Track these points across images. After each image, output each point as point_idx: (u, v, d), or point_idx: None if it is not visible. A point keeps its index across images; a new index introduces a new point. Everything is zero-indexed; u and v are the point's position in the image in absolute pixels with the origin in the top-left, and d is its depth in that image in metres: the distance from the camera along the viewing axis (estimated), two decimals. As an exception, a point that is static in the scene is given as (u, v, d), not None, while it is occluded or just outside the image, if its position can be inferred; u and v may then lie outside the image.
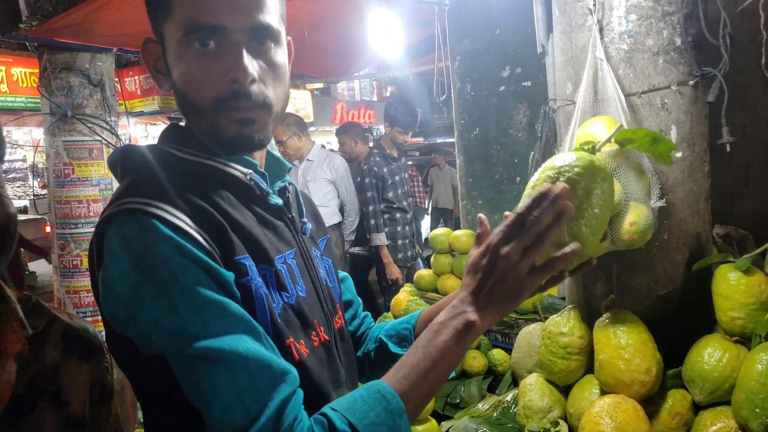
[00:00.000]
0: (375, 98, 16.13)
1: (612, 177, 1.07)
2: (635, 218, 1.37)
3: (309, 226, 1.09)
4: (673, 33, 1.46)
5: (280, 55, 0.95)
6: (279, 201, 1.01)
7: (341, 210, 4.79)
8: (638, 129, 1.28)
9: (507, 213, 0.92)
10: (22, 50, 8.57)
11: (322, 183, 4.60)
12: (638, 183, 1.39)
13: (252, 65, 0.88)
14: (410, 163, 7.48)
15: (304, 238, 1.07)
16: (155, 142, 0.99)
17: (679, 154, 1.38)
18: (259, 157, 1.02)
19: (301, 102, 15.23)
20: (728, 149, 1.44)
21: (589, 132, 1.40)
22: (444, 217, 10.03)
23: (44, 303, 0.96)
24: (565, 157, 1.04)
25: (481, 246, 0.94)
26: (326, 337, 1.01)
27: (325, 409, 0.84)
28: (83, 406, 0.95)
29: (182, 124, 1.01)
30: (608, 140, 1.27)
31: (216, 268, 0.82)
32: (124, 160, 0.94)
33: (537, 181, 1.05)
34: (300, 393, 0.83)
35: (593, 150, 1.19)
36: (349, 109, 15.03)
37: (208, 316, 0.78)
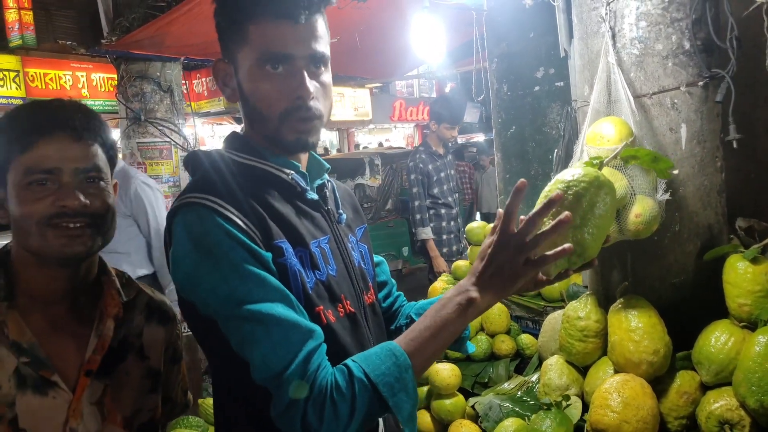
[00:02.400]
0: (434, 94, 16.18)
1: (614, 190, 1.18)
2: (641, 210, 1.48)
3: (344, 216, 1.30)
4: (681, 37, 1.56)
5: (328, 76, 1.17)
6: (315, 196, 1.21)
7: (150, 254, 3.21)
8: (641, 148, 1.40)
9: (500, 210, 1.08)
10: (101, 57, 9.20)
11: (119, 220, 3.41)
12: (644, 177, 1.50)
13: (312, 86, 1.11)
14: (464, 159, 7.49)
15: (340, 226, 1.27)
16: (221, 141, 1.25)
17: (675, 172, 1.49)
18: (302, 160, 1.24)
19: (360, 100, 15.50)
20: (735, 145, 1.53)
21: (597, 131, 1.52)
22: (490, 221, 9.79)
23: (133, 279, 1.21)
24: (573, 172, 1.18)
25: (491, 237, 1.11)
26: (352, 309, 1.19)
27: (347, 360, 1.04)
28: (159, 362, 1.20)
29: (240, 132, 1.24)
30: (614, 156, 1.39)
31: (256, 249, 1.03)
32: (194, 162, 1.17)
33: (548, 191, 1.20)
34: (324, 347, 1.03)
35: (600, 165, 1.32)
36: (407, 106, 15.14)
37: (251, 286, 0.99)
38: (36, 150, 0.99)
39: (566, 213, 1.01)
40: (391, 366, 1.01)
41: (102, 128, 1.09)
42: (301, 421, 0.95)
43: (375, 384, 0.99)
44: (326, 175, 1.29)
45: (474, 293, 1.06)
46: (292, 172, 1.17)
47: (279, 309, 0.99)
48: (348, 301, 1.19)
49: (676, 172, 1.49)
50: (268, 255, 1.04)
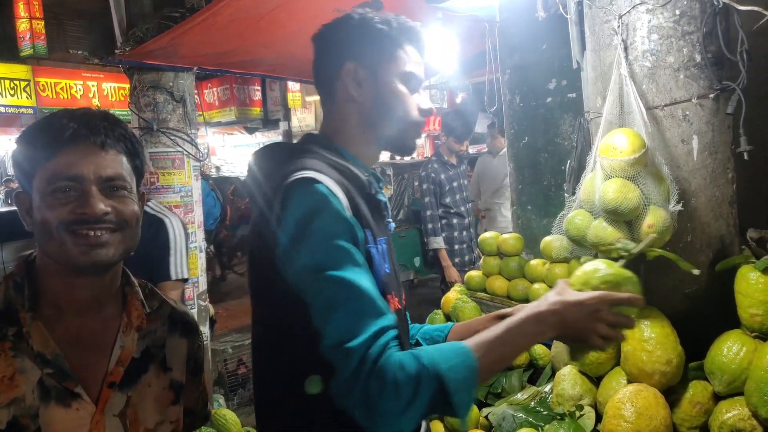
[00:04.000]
0: (445, 105, 16.24)
1: (637, 281, 1.26)
2: (653, 221, 1.50)
3: (393, 225, 1.40)
4: (692, 50, 1.58)
5: None
6: (385, 198, 1.32)
7: None
8: (665, 252, 1.49)
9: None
10: (112, 66, 9.30)
11: None
12: (657, 188, 1.52)
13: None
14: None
15: (389, 231, 1.39)
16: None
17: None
18: (374, 164, 1.38)
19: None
20: (746, 157, 1.55)
21: (610, 143, 1.54)
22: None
23: (156, 290, 1.21)
24: (605, 270, 1.25)
25: (590, 295, 1.17)
26: (398, 306, 1.26)
27: (417, 348, 1.09)
28: (182, 374, 1.19)
29: (315, 133, 1.33)
30: (640, 250, 1.41)
31: (354, 227, 1.10)
32: (290, 149, 1.29)
33: (582, 279, 1.24)
34: (396, 331, 1.06)
35: (629, 254, 1.39)
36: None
37: (342, 256, 1.05)
38: (61, 157, 1.00)
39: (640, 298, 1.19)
40: (461, 363, 1.03)
41: (128, 137, 1.09)
42: (361, 393, 0.96)
43: (443, 376, 1.00)
44: (383, 185, 1.45)
45: (550, 332, 1.14)
46: (368, 174, 1.27)
47: (363, 282, 1.04)
48: (396, 298, 1.26)
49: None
50: (362, 235, 1.12)
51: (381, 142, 1.31)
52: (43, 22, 11.66)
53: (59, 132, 1.01)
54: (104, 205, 1.01)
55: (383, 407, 0.96)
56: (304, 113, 14.69)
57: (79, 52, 11.88)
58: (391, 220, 1.38)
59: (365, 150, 1.31)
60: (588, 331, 1.14)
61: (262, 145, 1.41)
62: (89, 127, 1.03)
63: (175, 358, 1.17)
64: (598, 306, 1.14)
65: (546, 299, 1.17)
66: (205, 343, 3.70)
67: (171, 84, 4.12)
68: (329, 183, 1.11)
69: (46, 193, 1.00)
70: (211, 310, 4.07)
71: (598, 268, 1.25)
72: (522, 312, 1.15)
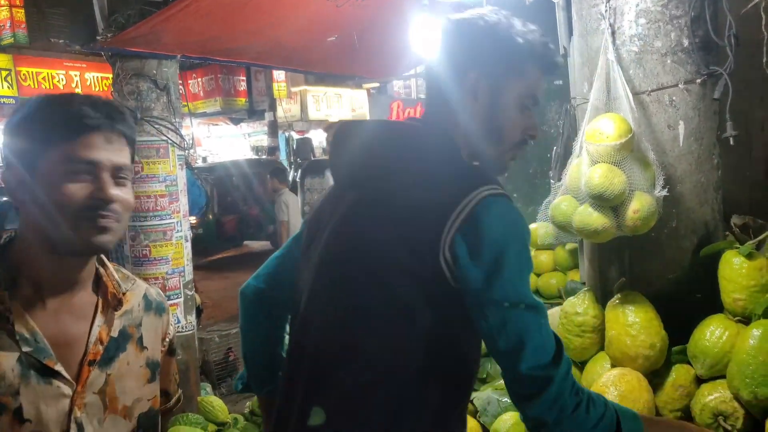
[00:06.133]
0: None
1: None
2: (639, 206, 1.50)
3: None
4: (680, 35, 1.58)
5: None
6: None
7: None
8: None
9: None
10: (94, 56, 9.16)
11: None
12: (643, 174, 1.52)
13: None
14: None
15: None
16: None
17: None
18: None
19: (357, 101, 15.54)
20: (732, 142, 1.55)
21: (597, 128, 1.54)
22: None
23: (128, 272, 1.22)
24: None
25: None
26: None
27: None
28: (158, 353, 1.21)
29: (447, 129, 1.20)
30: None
31: None
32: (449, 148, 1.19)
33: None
34: None
35: None
36: (405, 107, 15.14)
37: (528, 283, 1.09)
38: (81, 140, 1.01)
39: None
40: (633, 422, 1.10)
41: (133, 128, 1.12)
42: (562, 404, 1.03)
43: (620, 420, 1.07)
44: None
45: None
46: None
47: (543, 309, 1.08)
48: None
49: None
50: None
51: (478, 157, 1.22)
52: (23, 10, 11.46)
53: (79, 114, 1.02)
54: (115, 192, 1.03)
55: (574, 418, 1.04)
56: (290, 104, 14.59)
57: (59, 41, 11.70)
58: None
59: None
60: None
61: (347, 121, 1.30)
62: (111, 116, 1.05)
63: (151, 337, 1.19)
64: None
65: None
66: (191, 332, 3.69)
67: (155, 72, 4.06)
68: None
69: (58, 173, 1.00)
70: (198, 300, 4.06)
71: None
72: None
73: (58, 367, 1.02)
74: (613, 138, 1.50)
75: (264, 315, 1.41)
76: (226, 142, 18.63)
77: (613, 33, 1.63)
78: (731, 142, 1.56)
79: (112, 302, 1.12)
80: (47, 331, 1.03)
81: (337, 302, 1.15)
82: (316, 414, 1.11)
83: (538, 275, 2.47)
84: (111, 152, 1.05)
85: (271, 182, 6.76)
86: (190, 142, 4.96)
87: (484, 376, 2.08)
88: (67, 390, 1.02)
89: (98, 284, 1.13)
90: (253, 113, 14.87)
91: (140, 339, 1.16)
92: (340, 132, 1.28)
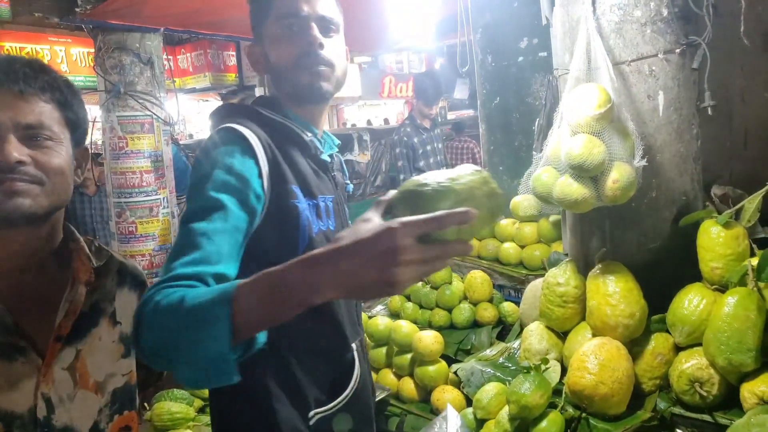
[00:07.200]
0: (423, 69, 16.04)
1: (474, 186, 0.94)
2: (618, 176, 1.50)
3: (351, 186, 1.45)
4: (659, 4, 1.57)
5: (340, 39, 1.38)
6: (327, 159, 1.37)
7: None
8: None
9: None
10: (80, 31, 8.98)
11: None
12: (622, 144, 1.52)
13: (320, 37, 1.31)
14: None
15: (343, 192, 1.45)
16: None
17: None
18: (319, 127, 1.40)
19: (348, 76, 15.38)
20: (710, 113, 1.55)
21: (576, 98, 1.54)
22: None
23: (104, 246, 1.20)
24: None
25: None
26: None
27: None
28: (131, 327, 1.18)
29: (267, 95, 1.41)
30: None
31: (250, 180, 1.14)
32: (227, 109, 1.34)
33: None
34: (202, 286, 0.95)
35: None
36: (397, 82, 14.94)
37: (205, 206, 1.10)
38: None
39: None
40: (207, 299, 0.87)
41: (57, 87, 1.05)
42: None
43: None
44: (336, 149, 1.47)
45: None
46: (310, 134, 1.33)
47: (204, 227, 1.06)
48: None
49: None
50: (261, 193, 1.16)
51: (291, 98, 1.34)
52: (5, -16, 11.20)
53: None
54: (19, 153, 0.97)
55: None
56: (280, 78, 14.42)
57: (40, 15, 11.47)
58: (348, 181, 1.45)
59: (295, 109, 1.34)
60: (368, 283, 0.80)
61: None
62: (8, 73, 1.00)
63: (125, 312, 1.17)
64: (391, 243, 0.77)
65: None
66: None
67: (137, 45, 4.00)
68: (244, 132, 1.18)
69: None
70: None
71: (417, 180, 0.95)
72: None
73: (23, 344, 1.00)
74: (592, 108, 1.50)
75: None
76: (215, 118, 18.41)
77: (593, 2, 1.62)
78: (709, 112, 1.56)
79: (83, 277, 1.10)
80: (12, 307, 1.01)
81: None
82: None
83: (522, 247, 2.48)
84: (15, 111, 0.99)
85: None
86: (178, 117, 4.90)
87: (469, 347, 2.11)
88: (33, 366, 1.01)
89: (69, 259, 1.12)
90: (243, 88, 14.69)
91: (113, 314, 1.14)
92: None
